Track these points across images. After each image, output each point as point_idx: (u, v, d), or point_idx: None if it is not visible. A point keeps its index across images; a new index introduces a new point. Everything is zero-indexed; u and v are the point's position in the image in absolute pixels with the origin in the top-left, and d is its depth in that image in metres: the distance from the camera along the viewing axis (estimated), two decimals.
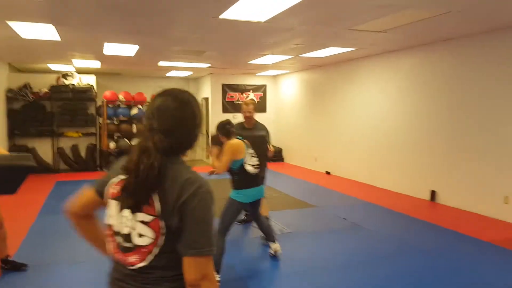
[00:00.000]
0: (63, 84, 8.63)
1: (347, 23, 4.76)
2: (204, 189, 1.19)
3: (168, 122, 1.21)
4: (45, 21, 4.71)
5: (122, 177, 1.23)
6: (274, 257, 3.81)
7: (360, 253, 4.00)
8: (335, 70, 8.58)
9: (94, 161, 9.09)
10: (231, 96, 10.92)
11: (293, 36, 5.55)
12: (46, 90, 8.48)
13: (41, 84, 8.63)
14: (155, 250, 1.19)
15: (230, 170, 3.40)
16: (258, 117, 11.03)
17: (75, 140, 8.98)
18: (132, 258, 1.21)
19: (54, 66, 8.99)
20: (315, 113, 9.40)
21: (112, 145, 9.15)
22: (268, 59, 7.76)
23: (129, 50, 6.68)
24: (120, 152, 9.21)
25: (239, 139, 3.44)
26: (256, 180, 3.41)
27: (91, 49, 6.74)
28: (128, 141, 9.33)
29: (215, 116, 10.71)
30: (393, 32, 5.22)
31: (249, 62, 8.29)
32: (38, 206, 5.71)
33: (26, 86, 8.32)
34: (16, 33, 5.27)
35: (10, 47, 6.59)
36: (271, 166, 10.03)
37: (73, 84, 8.69)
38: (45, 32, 5.18)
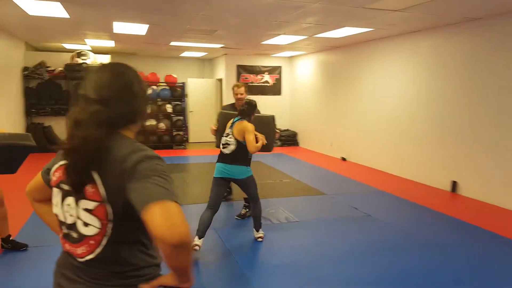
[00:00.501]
0: (77, 63, 8.61)
1: (361, 1, 4.47)
2: (150, 154, 1.08)
3: (104, 91, 1.12)
4: None
5: (62, 162, 1.14)
6: (274, 246, 3.75)
7: (366, 243, 3.84)
8: (352, 52, 8.23)
9: None
10: (245, 78, 10.72)
11: (304, 15, 5.29)
12: (61, 69, 8.49)
13: (57, 62, 8.68)
14: (104, 241, 1.08)
15: None
16: (273, 99, 10.82)
17: None
18: (80, 250, 1.12)
19: (69, 46, 9.00)
20: (331, 96, 9.11)
21: None
22: (282, 39, 7.50)
23: (139, 29, 6.56)
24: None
25: (234, 119, 3.64)
26: (222, 156, 3.59)
27: (101, 28, 6.67)
28: None
29: (229, 98, 10.55)
30: (413, 10, 4.88)
31: (262, 43, 8.04)
32: None
33: (41, 65, 8.35)
34: (23, 10, 5.22)
35: (23, 25, 6.58)
36: (285, 150, 9.92)
37: (87, 63, 8.65)
38: (53, 8, 5.11)
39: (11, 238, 3.43)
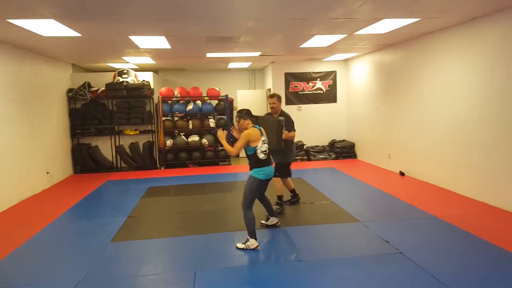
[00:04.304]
0: (118, 81, 8.61)
1: None
2: None
3: None
4: (45, 16, 4.45)
5: None
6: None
7: None
8: (410, 48, 6.91)
9: (152, 159, 8.98)
10: (295, 86, 9.87)
11: (322, 7, 4.37)
12: (103, 89, 8.56)
13: (100, 82, 8.71)
14: None
15: (246, 154, 3.93)
16: (328, 107, 9.71)
17: (133, 137, 8.98)
18: None
19: (115, 65, 9.14)
20: (389, 102, 7.79)
21: (169, 142, 8.96)
22: (319, 40, 6.56)
23: (160, 42, 6.22)
24: (178, 149, 8.97)
25: (256, 127, 3.89)
26: (268, 161, 3.94)
27: (125, 45, 6.46)
28: (185, 138, 9.05)
29: None
30: None
31: (302, 46, 7.18)
32: (63, 209, 5.62)
33: (85, 85, 8.47)
34: (36, 33, 5.20)
35: (60, 48, 6.71)
36: (338, 164, 8.78)
37: (127, 82, 8.62)
38: (57, 28, 4.97)
39: None
